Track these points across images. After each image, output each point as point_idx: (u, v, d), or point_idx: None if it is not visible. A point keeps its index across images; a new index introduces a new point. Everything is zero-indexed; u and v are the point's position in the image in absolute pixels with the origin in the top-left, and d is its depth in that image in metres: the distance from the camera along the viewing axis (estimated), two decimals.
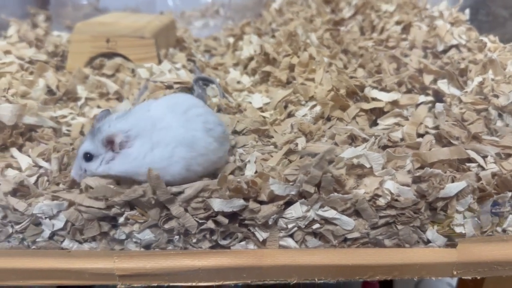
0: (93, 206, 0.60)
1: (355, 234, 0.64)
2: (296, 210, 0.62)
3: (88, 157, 0.63)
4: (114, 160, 0.62)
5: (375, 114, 0.82)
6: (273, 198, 0.62)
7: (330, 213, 0.62)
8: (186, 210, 0.62)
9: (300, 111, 0.79)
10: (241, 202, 0.60)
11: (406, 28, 1.05)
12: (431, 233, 0.65)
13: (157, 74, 0.85)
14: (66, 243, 0.63)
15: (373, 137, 0.70)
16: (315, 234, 0.64)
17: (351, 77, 0.85)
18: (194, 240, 0.64)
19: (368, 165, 0.65)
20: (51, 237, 0.63)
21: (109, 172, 0.63)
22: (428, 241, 0.66)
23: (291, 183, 0.60)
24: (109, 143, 0.62)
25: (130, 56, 1.00)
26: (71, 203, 0.61)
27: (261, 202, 0.62)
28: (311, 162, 0.59)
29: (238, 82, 1.01)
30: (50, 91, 0.90)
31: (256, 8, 1.39)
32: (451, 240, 0.66)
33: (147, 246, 0.64)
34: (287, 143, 0.70)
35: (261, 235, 0.63)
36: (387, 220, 0.63)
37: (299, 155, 0.69)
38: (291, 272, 0.65)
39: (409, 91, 0.88)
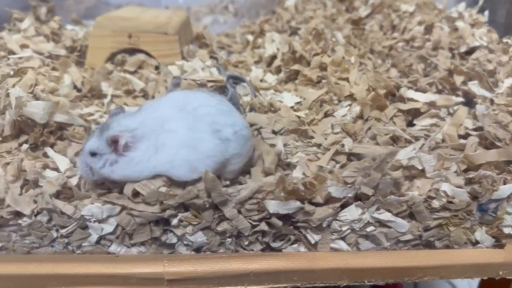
0: (146, 211, 0.58)
1: (408, 236, 0.64)
2: (351, 212, 0.61)
3: (93, 153, 0.60)
4: (117, 163, 0.60)
5: (411, 115, 0.81)
6: (327, 200, 0.61)
7: (385, 216, 0.61)
8: (239, 212, 0.60)
9: (339, 111, 0.78)
10: (297, 204, 0.59)
11: (428, 29, 1.06)
12: (480, 234, 0.65)
13: (189, 72, 0.83)
14: (113, 248, 0.61)
15: (423, 138, 0.70)
16: (367, 236, 0.64)
17: (387, 78, 0.84)
18: (246, 243, 0.62)
19: (420, 167, 0.64)
20: (98, 241, 0.60)
21: (111, 176, 0.60)
22: (477, 242, 0.66)
23: (349, 186, 0.59)
24: (113, 143, 0.59)
25: (153, 52, 0.97)
26: (123, 208, 0.59)
27: (316, 204, 0.61)
28: (372, 164, 0.58)
29: (261, 81, 1.00)
30: (73, 87, 0.87)
31: (268, 5, 1.38)
32: (499, 241, 0.66)
33: (198, 249, 0.62)
34: (334, 144, 0.69)
35: (313, 237, 0.62)
36: (439, 222, 0.63)
37: (346, 155, 0.68)
38: (342, 274, 0.64)
39: (439, 92, 0.88)
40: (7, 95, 0.76)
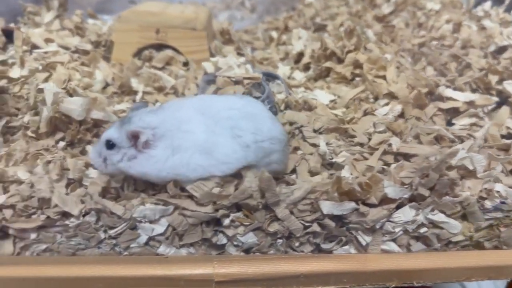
0: (199, 211, 0.56)
1: (459, 237, 0.63)
2: (405, 213, 0.60)
3: (110, 144, 0.58)
4: (136, 159, 0.58)
5: (449, 114, 0.81)
6: (381, 201, 0.60)
7: (439, 217, 0.60)
8: (291, 213, 0.59)
9: (380, 110, 0.77)
10: (352, 205, 0.58)
11: (456, 27, 1.05)
12: None
13: (224, 68, 0.81)
14: (162, 249, 0.59)
15: (468, 138, 0.69)
16: (418, 237, 0.63)
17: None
18: (297, 244, 0.61)
19: (471, 167, 0.63)
20: (147, 242, 0.59)
21: (129, 171, 0.59)
22: None
23: (406, 186, 0.58)
24: (134, 138, 0.57)
25: (181, 48, 0.95)
26: (176, 207, 0.57)
27: (369, 205, 0.59)
28: (430, 165, 0.57)
29: (289, 78, 0.98)
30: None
31: (288, 2, 1.36)
32: None
33: (247, 250, 0.61)
34: (381, 143, 0.68)
35: (364, 239, 0.61)
36: (491, 223, 0.62)
37: (393, 155, 0.67)
38: (392, 276, 0.62)
39: (473, 91, 0.87)
40: (39, 90, 0.73)
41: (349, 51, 0.91)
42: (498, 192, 0.61)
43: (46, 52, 0.89)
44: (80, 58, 0.89)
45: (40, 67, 0.82)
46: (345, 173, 0.65)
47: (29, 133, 0.71)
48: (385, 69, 0.84)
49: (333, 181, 0.57)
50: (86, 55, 0.92)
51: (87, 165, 0.65)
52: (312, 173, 0.66)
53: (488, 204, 0.61)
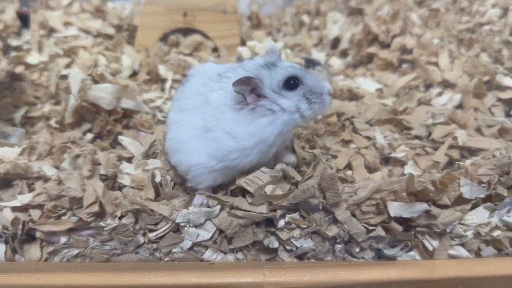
0: (253, 211, 0.50)
1: None
2: (479, 215, 0.53)
3: (290, 85, 0.49)
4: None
5: (508, 105, 0.74)
6: (453, 202, 0.53)
7: None
8: (353, 215, 0.52)
9: (437, 99, 0.70)
10: (424, 206, 0.51)
11: (503, 12, 0.97)
12: None
13: (262, 54, 0.74)
14: (208, 254, 0.53)
15: None
16: (488, 241, 0.56)
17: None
18: (357, 250, 0.54)
19: None
20: (191, 247, 0.52)
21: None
22: None
23: (483, 185, 0.52)
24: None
25: (210, 33, 0.88)
26: (223, 207, 0.50)
27: (441, 206, 0.53)
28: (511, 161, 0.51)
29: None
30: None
31: None
32: None
33: (301, 256, 0.54)
34: (446, 136, 0.61)
35: (431, 244, 0.55)
36: None
37: (458, 150, 0.60)
38: (459, 283, 0.56)
39: None
40: (61, 77, 0.67)
41: (395, 36, 0.84)
42: None
43: (65, 37, 0.83)
44: (102, 43, 0.82)
45: (62, 52, 0.75)
46: (409, 169, 0.58)
47: (52, 123, 0.64)
48: (437, 55, 0.77)
49: (405, 179, 0.51)
50: (109, 39, 0.85)
51: (121, 159, 0.58)
52: (370, 169, 0.60)
53: None
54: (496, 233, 0.55)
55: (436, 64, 0.77)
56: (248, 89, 0.48)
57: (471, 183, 0.51)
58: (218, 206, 0.51)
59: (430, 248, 0.55)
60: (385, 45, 0.85)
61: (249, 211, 0.50)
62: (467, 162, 0.56)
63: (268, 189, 0.50)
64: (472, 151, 0.61)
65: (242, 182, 0.50)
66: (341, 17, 0.98)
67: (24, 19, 0.91)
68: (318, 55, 0.94)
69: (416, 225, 0.53)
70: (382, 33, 0.84)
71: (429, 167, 0.58)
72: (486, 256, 0.57)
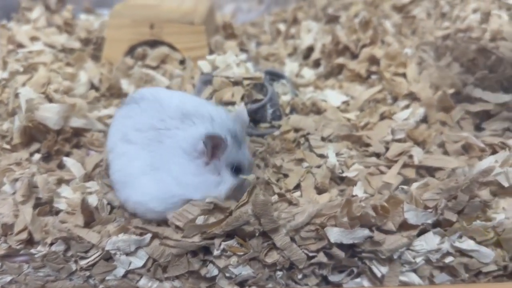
0: (185, 240, 0.48)
1: (491, 267, 0.53)
2: (428, 241, 0.50)
3: (236, 171, 0.52)
4: None
5: (478, 117, 0.70)
6: (400, 227, 0.50)
7: (468, 244, 0.51)
8: (293, 240, 0.50)
9: (399, 114, 0.67)
10: (365, 233, 0.49)
11: (484, 17, 0.94)
12: None
13: (222, 67, 0.73)
14: (143, 282, 0.51)
15: (506, 149, 0.59)
16: (443, 268, 0.53)
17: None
18: (300, 276, 0.52)
19: (506, 184, 0.54)
20: (125, 275, 0.51)
21: None
22: None
23: (429, 210, 0.49)
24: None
25: (178, 44, 0.87)
26: (154, 235, 0.49)
27: (386, 232, 0.50)
28: (459, 185, 0.48)
29: (298, 76, 0.89)
30: (91, 86, 0.77)
31: None
32: None
33: (242, 283, 0.52)
34: (401, 155, 0.58)
35: (379, 270, 0.52)
36: None
37: (415, 168, 0.58)
38: None
39: (505, 91, 0.76)
40: (17, 95, 0.66)
41: (364, 45, 0.81)
42: None
43: (31, 52, 0.82)
44: (67, 57, 0.82)
45: (22, 69, 0.74)
46: (357, 190, 0.56)
47: (3, 144, 0.63)
48: (405, 66, 0.74)
49: (342, 204, 0.48)
50: (73, 54, 0.84)
51: (61, 181, 0.57)
52: (320, 190, 0.57)
53: None
54: (448, 259, 0.52)
55: (404, 75, 0.74)
56: (211, 146, 0.48)
57: (416, 208, 0.49)
58: (149, 235, 0.49)
59: (379, 275, 0.52)
60: (355, 56, 0.82)
61: (180, 240, 0.48)
62: (413, 186, 0.53)
63: (200, 220, 0.48)
64: (430, 170, 0.59)
65: (170, 217, 0.48)
66: (315, 26, 0.96)
67: None
68: (292, 65, 0.91)
69: (361, 250, 0.51)
70: (351, 43, 0.82)
71: (381, 188, 0.56)
72: (440, 283, 0.54)
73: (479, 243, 0.51)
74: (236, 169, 0.51)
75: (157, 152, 0.50)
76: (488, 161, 0.57)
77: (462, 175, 0.56)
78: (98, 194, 0.55)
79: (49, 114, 0.61)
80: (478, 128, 0.70)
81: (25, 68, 0.75)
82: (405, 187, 0.54)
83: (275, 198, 0.55)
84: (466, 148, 0.63)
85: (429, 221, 0.49)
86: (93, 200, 0.54)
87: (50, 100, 0.66)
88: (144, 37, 0.86)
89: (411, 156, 0.58)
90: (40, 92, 0.67)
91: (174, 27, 0.86)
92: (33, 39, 0.85)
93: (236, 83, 0.72)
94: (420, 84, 0.70)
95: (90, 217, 0.52)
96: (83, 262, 0.50)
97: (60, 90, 0.67)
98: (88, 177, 0.58)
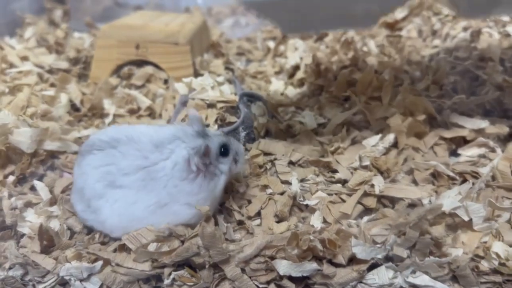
0: (135, 268, 0.49)
1: None
2: (381, 275, 0.50)
3: (224, 152, 0.55)
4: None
5: (455, 143, 0.69)
6: (351, 260, 0.50)
7: (422, 280, 0.50)
8: (243, 271, 0.50)
9: (369, 139, 0.67)
10: (314, 266, 0.49)
11: (474, 36, 0.92)
12: None
13: (198, 90, 0.74)
14: None
15: (470, 182, 0.58)
16: None
17: (426, 96, 0.72)
18: None
19: (466, 218, 0.53)
20: None
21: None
22: None
23: (378, 245, 0.49)
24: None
25: (163, 64, 0.88)
26: (106, 262, 0.50)
27: (337, 265, 0.50)
28: (407, 221, 0.47)
29: (282, 94, 0.89)
30: (72, 106, 0.79)
31: None
32: None
33: None
34: (362, 184, 0.58)
35: None
36: (488, 287, 0.52)
37: (376, 198, 0.57)
38: None
39: (487, 114, 0.74)
40: None
41: (344, 67, 0.81)
42: (495, 253, 0.50)
43: (20, 72, 0.85)
44: (54, 77, 0.84)
45: (7, 90, 0.77)
46: (315, 221, 0.56)
47: None
48: (381, 90, 0.74)
49: (289, 237, 0.48)
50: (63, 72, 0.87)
51: (28, 205, 0.59)
52: (279, 218, 0.58)
53: (485, 265, 0.51)
54: None
55: (379, 98, 0.74)
56: (201, 157, 0.51)
57: (364, 243, 0.48)
58: (100, 262, 0.50)
59: None
60: (336, 77, 0.82)
61: (131, 268, 0.49)
62: (364, 220, 0.53)
63: (152, 247, 0.49)
64: (393, 200, 0.58)
65: (125, 238, 0.50)
66: (302, 44, 0.96)
67: None
68: (277, 83, 0.92)
69: (313, 282, 0.51)
70: (332, 64, 0.82)
71: (339, 218, 0.56)
72: None
73: (435, 278, 0.51)
74: (225, 150, 0.55)
75: (157, 191, 0.51)
76: (451, 193, 0.56)
77: (424, 207, 0.55)
78: (60, 219, 0.56)
79: (22, 138, 0.63)
80: (455, 153, 0.69)
81: (10, 89, 0.77)
82: (351, 221, 0.53)
83: (233, 225, 0.56)
84: (436, 176, 0.62)
85: (379, 256, 0.49)
86: (54, 225, 0.56)
87: (29, 125, 0.68)
88: (130, 57, 0.88)
89: (372, 185, 0.58)
90: (19, 114, 0.69)
91: (159, 47, 0.87)
92: (24, 59, 0.87)
93: (211, 105, 0.73)
94: (393, 109, 0.69)
95: (50, 242, 0.53)
96: (40, 287, 0.51)
97: (37, 113, 0.70)
98: (54, 201, 0.59)
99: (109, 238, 0.54)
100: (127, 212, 0.51)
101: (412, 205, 0.57)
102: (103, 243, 0.53)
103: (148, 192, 0.51)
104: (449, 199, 0.53)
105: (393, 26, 1.03)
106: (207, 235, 0.48)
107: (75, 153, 0.69)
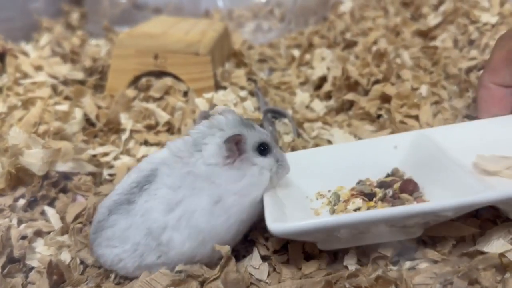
0: None
1: None
2: None
3: (262, 150, 0.50)
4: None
5: None
6: None
7: None
8: None
9: None
10: None
11: None
12: None
13: (220, 106, 0.69)
14: None
15: None
16: None
17: (467, 116, 0.66)
18: None
19: None
20: None
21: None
22: None
23: None
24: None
25: (182, 76, 0.84)
26: None
27: None
28: (456, 270, 0.42)
29: (307, 107, 0.84)
30: (87, 120, 0.75)
31: (320, 11, 1.20)
32: None
33: None
34: None
35: None
36: None
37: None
38: None
39: None
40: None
41: (377, 81, 0.75)
42: None
43: (34, 83, 0.81)
44: (68, 89, 0.80)
45: (20, 103, 0.74)
46: (348, 260, 0.50)
47: None
48: (419, 107, 0.68)
49: (322, 285, 0.43)
50: (80, 84, 0.83)
51: (39, 234, 0.55)
52: (307, 255, 0.52)
53: None
54: None
55: (417, 117, 0.68)
56: (234, 145, 0.48)
57: None
58: None
59: None
60: (367, 91, 0.76)
61: None
62: (406, 264, 0.48)
63: None
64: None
65: (137, 286, 0.45)
66: (330, 53, 0.90)
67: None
68: (302, 95, 0.86)
69: None
70: (363, 78, 0.76)
71: (377, 258, 0.50)
72: None
73: None
74: (262, 149, 0.50)
75: (204, 185, 0.48)
76: (498, 232, 0.50)
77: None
78: (71, 251, 0.52)
79: (33, 160, 0.59)
80: None
81: (23, 102, 0.74)
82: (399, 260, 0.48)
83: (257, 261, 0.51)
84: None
85: None
86: (65, 257, 0.52)
87: (41, 145, 0.64)
88: (148, 67, 0.84)
89: None
90: (31, 132, 0.65)
91: (179, 58, 0.83)
92: (38, 68, 0.84)
93: None
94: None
95: (60, 277, 0.49)
96: None
97: (49, 131, 0.66)
98: (66, 229, 0.55)
99: (125, 279, 0.49)
100: (191, 225, 0.47)
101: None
102: (118, 284, 0.49)
103: (199, 193, 0.47)
104: (499, 241, 0.47)
105: (426, 35, 0.96)
106: (230, 282, 0.43)
107: (89, 174, 0.65)
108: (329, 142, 0.71)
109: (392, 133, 0.68)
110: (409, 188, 0.52)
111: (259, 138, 0.50)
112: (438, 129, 0.57)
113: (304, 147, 0.68)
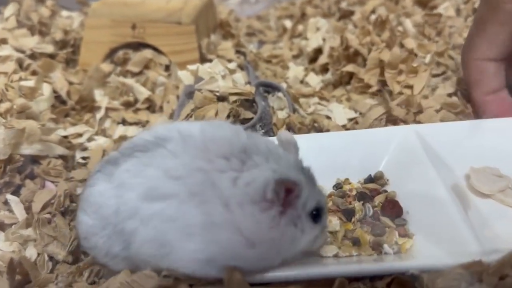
0: None
1: None
2: None
3: (315, 216, 0.39)
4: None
5: None
6: None
7: None
8: None
9: None
10: None
11: None
12: None
13: (206, 79, 0.61)
14: None
15: None
16: None
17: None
18: None
19: None
20: None
21: None
22: None
23: None
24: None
25: (163, 48, 0.76)
26: None
27: None
28: (484, 268, 0.36)
29: (302, 82, 0.77)
30: (57, 97, 0.67)
31: None
32: None
33: None
34: None
35: None
36: None
37: None
38: None
39: None
40: None
41: (371, 50, 0.68)
42: None
43: None
44: (37, 65, 0.72)
45: None
46: None
47: None
48: (416, 74, 0.62)
49: (337, 285, 0.37)
50: (49, 57, 0.75)
51: (0, 227, 0.48)
52: None
53: None
54: None
55: (412, 87, 0.62)
56: (284, 191, 0.36)
57: None
58: None
59: None
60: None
61: None
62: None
63: None
64: None
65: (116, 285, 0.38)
66: (325, 23, 0.83)
67: None
68: (296, 69, 0.79)
69: None
70: (364, 47, 0.69)
71: None
72: None
73: None
74: (316, 214, 0.39)
75: (212, 202, 0.35)
76: None
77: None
78: (37, 246, 0.45)
79: None
80: None
81: None
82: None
83: None
84: None
85: None
86: (31, 254, 0.44)
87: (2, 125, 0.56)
88: (125, 39, 0.76)
89: None
90: None
91: (159, 28, 0.75)
92: (2, 42, 0.75)
93: (222, 98, 0.61)
94: (428, 100, 0.58)
95: (25, 277, 0.42)
96: None
97: (12, 109, 0.58)
98: (32, 221, 0.48)
99: (100, 277, 0.42)
100: (159, 233, 0.36)
101: None
102: (92, 283, 0.42)
103: (198, 203, 0.35)
104: None
105: (426, 5, 0.90)
106: (235, 283, 0.36)
107: (60, 157, 0.57)
108: (328, 117, 0.65)
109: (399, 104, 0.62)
110: (393, 211, 0.46)
111: (318, 200, 0.39)
112: (432, 127, 0.52)
113: (301, 123, 0.61)
